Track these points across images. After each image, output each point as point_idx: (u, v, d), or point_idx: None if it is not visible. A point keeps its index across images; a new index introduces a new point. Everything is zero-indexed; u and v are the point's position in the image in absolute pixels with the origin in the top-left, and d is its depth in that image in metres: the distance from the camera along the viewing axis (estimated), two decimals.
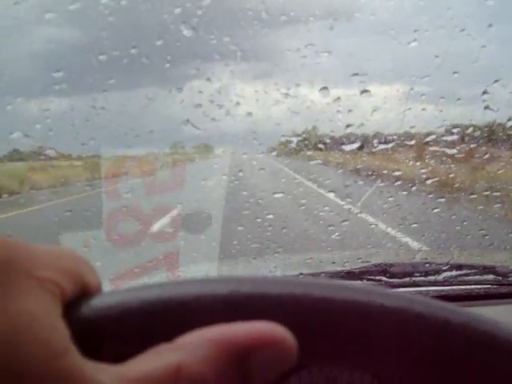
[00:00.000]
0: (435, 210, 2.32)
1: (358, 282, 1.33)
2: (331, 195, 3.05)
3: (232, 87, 2.46)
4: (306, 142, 2.80)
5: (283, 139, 2.92)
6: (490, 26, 2.14)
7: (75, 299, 0.31)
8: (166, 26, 2.24)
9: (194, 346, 0.28)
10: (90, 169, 3.85)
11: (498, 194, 2.52)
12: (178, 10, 2.17)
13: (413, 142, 2.48)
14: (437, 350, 0.34)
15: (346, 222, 2.40)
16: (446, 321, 0.35)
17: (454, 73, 2.18)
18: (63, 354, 0.26)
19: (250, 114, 2.33)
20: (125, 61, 2.18)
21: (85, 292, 0.33)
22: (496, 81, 2.05)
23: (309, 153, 2.96)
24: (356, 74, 2.22)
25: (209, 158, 4.68)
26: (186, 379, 0.27)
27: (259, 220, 2.74)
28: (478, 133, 2.44)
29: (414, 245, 2.79)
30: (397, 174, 2.55)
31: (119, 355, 0.28)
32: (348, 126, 2.27)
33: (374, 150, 2.63)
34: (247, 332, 0.28)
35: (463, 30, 2.17)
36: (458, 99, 2.38)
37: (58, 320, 0.28)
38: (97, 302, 0.32)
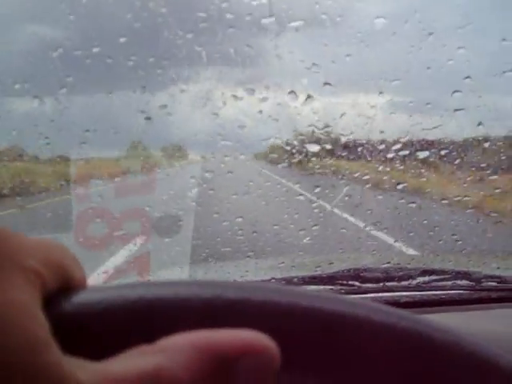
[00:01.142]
0: (406, 214, 2.33)
1: (330, 287, 1.32)
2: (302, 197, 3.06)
3: (214, 92, 2.44)
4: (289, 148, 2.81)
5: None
6: (460, 28, 2.16)
7: (58, 292, 0.31)
8: (150, 28, 2.22)
9: (175, 349, 0.27)
10: (57, 172, 3.78)
11: (469, 198, 2.55)
12: (161, 13, 2.15)
13: (383, 147, 2.49)
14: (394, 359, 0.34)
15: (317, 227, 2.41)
16: (426, 337, 0.35)
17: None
18: (43, 348, 0.25)
19: (231, 118, 2.32)
20: (108, 61, 2.15)
21: (69, 286, 0.32)
22: (467, 77, 2.07)
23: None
24: (328, 84, 2.23)
25: (182, 162, 4.65)
26: (166, 383, 0.26)
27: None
28: (448, 139, 2.47)
29: (387, 248, 2.80)
30: (366, 177, 2.56)
31: (99, 353, 0.27)
32: (325, 127, 2.28)
33: (342, 153, 2.65)
34: (231, 339, 0.27)
35: (431, 33, 2.19)
36: (428, 104, 2.40)
37: (38, 312, 0.27)
38: (79, 298, 0.32)
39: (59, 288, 0.31)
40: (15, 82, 1.97)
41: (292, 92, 2.20)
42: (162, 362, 0.26)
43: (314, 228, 2.39)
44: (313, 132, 2.39)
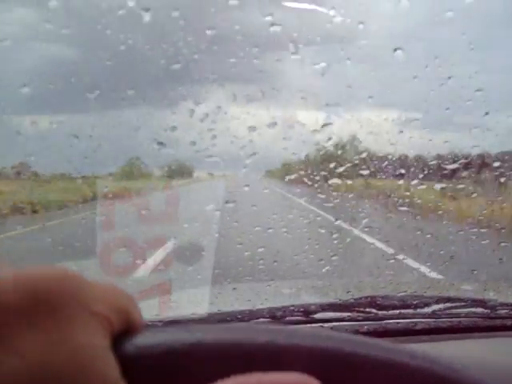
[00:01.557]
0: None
1: (347, 314, 1.34)
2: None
3: (224, 109, 2.48)
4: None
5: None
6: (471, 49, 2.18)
7: (121, 334, 0.34)
8: (159, 47, 2.27)
9: None
10: (82, 191, 3.84)
11: (485, 230, 2.54)
12: (170, 33, 2.19)
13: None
14: None
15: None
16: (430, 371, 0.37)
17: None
18: None
19: (242, 136, 2.35)
20: (116, 81, 2.20)
21: (130, 328, 0.35)
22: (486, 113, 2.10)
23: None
24: (328, 105, 2.26)
25: (202, 181, 4.66)
26: None
27: None
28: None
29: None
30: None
31: None
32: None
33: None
34: (281, 381, 0.30)
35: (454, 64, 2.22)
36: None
37: (110, 354, 0.30)
38: (141, 340, 0.34)
39: (123, 330, 0.34)
40: (31, 101, 2.04)
41: (303, 109, 2.23)
42: None
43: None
44: (324, 151, 2.41)
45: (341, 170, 2.47)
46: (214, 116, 2.35)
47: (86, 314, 0.30)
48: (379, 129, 2.57)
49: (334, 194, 2.84)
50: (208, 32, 2.12)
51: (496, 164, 2.52)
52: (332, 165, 2.45)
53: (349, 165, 2.49)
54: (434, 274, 2.68)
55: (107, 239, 2.78)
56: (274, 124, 2.32)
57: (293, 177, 3.21)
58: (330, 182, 2.69)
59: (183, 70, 2.24)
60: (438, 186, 2.39)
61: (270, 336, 0.34)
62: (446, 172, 2.33)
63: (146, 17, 2.10)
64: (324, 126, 2.27)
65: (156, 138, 2.28)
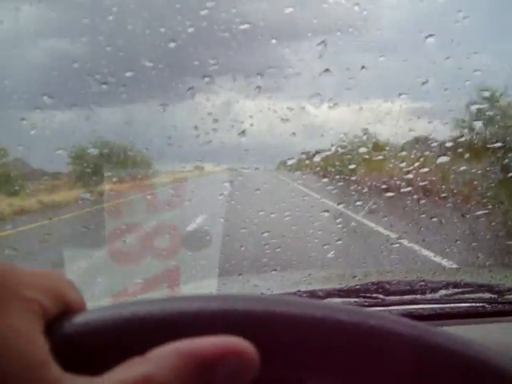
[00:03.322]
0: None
1: (354, 299, 1.34)
2: None
3: (234, 103, 2.47)
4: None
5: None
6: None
7: (58, 317, 0.34)
8: (168, 42, 2.26)
9: (162, 358, 0.30)
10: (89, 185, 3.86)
11: (490, 212, 2.53)
12: (182, 26, 2.18)
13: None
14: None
15: None
16: (415, 339, 0.37)
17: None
18: (40, 366, 0.29)
19: (251, 130, 2.34)
20: (127, 74, 2.19)
21: (68, 310, 0.35)
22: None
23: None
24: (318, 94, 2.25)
25: (207, 174, 4.67)
26: None
27: None
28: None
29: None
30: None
31: (97, 369, 0.30)
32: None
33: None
34: (212, 345, 0.31)
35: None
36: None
37: (37, 335, 0.31)
38: (76, 320, 0.35)
39: (61, 312, 0.35)
40: (37, 95, 2.04)
41: (312, 99, 2.22)
42: (151, 370, 0.29)
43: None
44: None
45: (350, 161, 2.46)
46: (221, 109, 2.35)
47: (15, 300, 0.31)
48: (388, 118, 2.55)
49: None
50: (217, 25, 2.11)
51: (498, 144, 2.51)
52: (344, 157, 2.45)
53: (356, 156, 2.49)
54: (438, 259, 2.67)
55: (115, 227, 2.80)
56: (286, 119, 2.31)
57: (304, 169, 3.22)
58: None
59: (193, 62, 2.23)
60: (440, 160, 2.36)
61: (201, 303, 0.35)
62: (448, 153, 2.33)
63: (153, 9, 2.09)
64: (332, 116, 2.27)
65: (165, 132, 2.27)
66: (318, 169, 3.19)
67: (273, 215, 2.83)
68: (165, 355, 0.30)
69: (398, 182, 2.51)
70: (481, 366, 0.38)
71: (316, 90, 2.36)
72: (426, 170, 2.28)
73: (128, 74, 2.16)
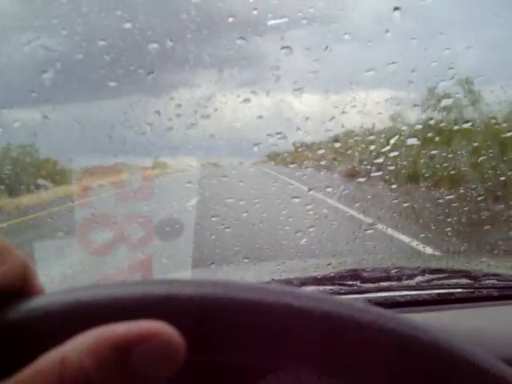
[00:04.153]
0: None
1: (329, 287, 1.31)
2: None
3: (216, 94, 2.44)
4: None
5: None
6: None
7: (8, 300, 0.34)
8: (149, 33, 2.21)
9: (79, 341, 0.30)
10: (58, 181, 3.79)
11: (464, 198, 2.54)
12: (162, 18, 2.14)
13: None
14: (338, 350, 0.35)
15: None
16: (352, 320, 0.35)
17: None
18: None
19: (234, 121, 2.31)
20: (102, 70, 2.14)
21: (26, 293, 0.35)
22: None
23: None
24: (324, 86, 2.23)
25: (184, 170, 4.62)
26: (70, 369, 0.28)
27: None
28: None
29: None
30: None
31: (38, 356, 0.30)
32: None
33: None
34: (127, 328, 0.30)
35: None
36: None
37: None
38: (23, 305, 0.34)
39: (14, 295, 0.34)
40: (15, 92, 1.98)
41: (297, 90, 2.19)
42: (67, 352, 0.29)
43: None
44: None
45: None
46: (206, 101, 2.31)
47: None
48: (372, 108, 2.54)
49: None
50: (199, 16, 2.07)
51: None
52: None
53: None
54: (414, 244, 2.67)
55: (85, 217, 2.74)
56: (265, 105, 2.29)
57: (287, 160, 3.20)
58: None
59: (178, 54, 2.18)
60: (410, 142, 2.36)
61: (147, 288, 0.35)
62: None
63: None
64: (316, 108, 2.25)
65: (146, 124, 2.23)
66: (285, 155, 3.18)
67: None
68: (83, 340, 0.30)
69: (368, 167, 2.50)
70: (436, 352, 0.37)
71: (302, 81, 2.33)
72: (395, 153, 2.27)
73: (104, 68, 2.11)
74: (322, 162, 2.87)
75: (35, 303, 0.34)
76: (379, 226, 2.69)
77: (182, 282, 0.36)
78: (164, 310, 0.34)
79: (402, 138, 2.43)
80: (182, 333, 0.30)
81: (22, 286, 0.35)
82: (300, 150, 3.04)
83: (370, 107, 2.45)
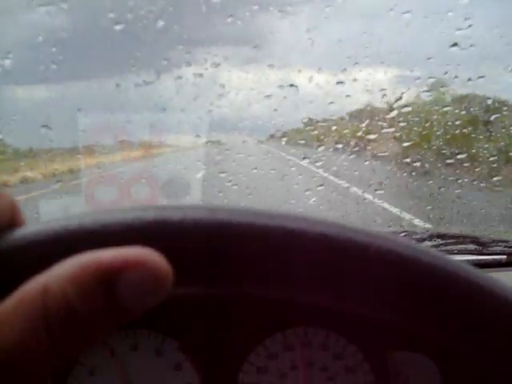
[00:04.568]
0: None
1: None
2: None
3: (221, 72, 2.41)
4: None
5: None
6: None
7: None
8: (152, 10, 2.18)
9: (62, 267, 0.29)
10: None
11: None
12: None
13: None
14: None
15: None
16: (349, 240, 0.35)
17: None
18: None
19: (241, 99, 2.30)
20: (108, 45, 2.12)
21: (11, 226, 0.34)
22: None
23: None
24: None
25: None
26: (53, 297, 0.27)
27: None
28: None
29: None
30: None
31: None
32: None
33: None
34: (113, 255, 0.29)
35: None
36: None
37: None
38: (10, 235, 0.34)
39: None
40: (13, 71, 1.96)
41: (299, 70, 2.18)
42: (49, 280, 0.28)
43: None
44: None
45: None
46: (209, 80, 2.29)
47: None
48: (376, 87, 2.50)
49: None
50: None
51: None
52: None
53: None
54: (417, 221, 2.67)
55: (91, 178, 2.75)
56: (269, 85, 2.26)
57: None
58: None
59: (180, 32, 2.15)
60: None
61: (136, 213, 0.34)
62: None
63: None
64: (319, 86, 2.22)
65: (154, 104, 2.21)
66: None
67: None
68: (66, 267, 0.28)
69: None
70: (413, 264, 0.36)
71: (305, 59, 2.29)
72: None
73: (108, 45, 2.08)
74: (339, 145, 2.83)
75: (20, 232, 0.34)
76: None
77: (173, 206, 0.35)
78: (153, 236, 0.33)
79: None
80: (174, 260, 0.29)
81: (8, 224, 0.34)
82: (311, 127, 3.01)
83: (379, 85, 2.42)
